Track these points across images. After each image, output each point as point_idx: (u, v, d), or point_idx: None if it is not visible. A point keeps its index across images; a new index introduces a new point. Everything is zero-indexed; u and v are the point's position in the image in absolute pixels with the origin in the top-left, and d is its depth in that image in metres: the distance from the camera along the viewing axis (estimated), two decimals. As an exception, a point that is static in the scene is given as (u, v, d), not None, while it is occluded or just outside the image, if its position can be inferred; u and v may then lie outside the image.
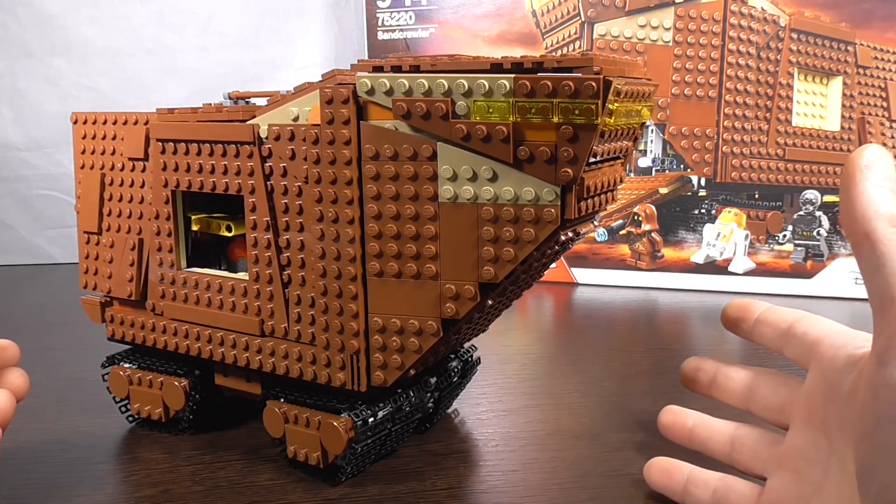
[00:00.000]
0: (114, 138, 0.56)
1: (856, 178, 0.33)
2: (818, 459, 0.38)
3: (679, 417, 0.49)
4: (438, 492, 0.48)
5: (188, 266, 0.55)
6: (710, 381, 0.47)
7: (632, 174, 1.03)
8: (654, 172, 1.02)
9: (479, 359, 0.60)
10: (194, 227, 0.54)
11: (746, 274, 1.01)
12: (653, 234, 1.04)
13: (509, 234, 0.41)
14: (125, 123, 0.55)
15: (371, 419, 0.47)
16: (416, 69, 0.42)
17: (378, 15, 1.09)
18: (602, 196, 0.45)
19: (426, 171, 0.43)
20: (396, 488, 0.49)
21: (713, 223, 1.01)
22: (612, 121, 0.39)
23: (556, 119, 0.39)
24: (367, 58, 1.08)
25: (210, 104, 0.53)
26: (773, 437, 0.43)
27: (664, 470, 0.46)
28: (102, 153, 0.57)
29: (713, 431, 0.46)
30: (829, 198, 0.97)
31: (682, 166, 1.01)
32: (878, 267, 0.31)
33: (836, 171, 0.97)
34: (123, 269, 0.57)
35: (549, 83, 0.38)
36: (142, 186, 0.55)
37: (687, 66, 0.98)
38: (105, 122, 0.56)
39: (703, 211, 1.01)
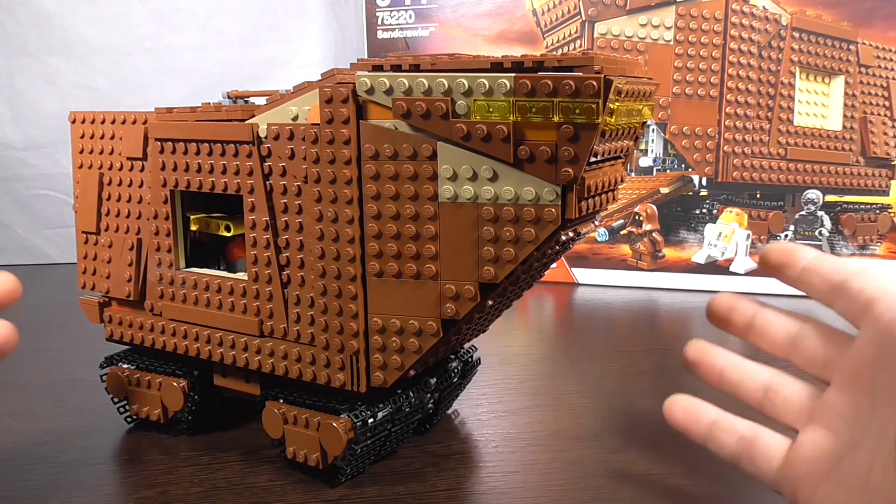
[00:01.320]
0: (112, 138, 0.56)
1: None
2: (857, 420, 0.37)
3: (707, 354, 0.44)
4: (438, 493, 0.48)
5: (187, 266, 0.54)
6: (747, 323, 0.43)
7: (633, 174, 1.03)
8: (655, 172, 1.02)
9: (479, 359, 0.59)
10: (193, 227, 0.54)
11: (748, 274, 1.00)
12: (654, 234, 1.03)
13: (509, 233, 0.41)
14: (124, 123, 0.55)
15: (371, 420, 0.47)
16: (415, 68, 0.42)
17: (378, 14, 1.09)
18: (603, 196, 0.44)
19: (426, 171, 0.42)
20: (396, 489, 0.48)
21: (714, 223, 1.01)
22: (612, 120, 0.39)
23: (556, 118, 0.38)
24: (366, 57, 1.08)
25: (209, 103, 0.53)
26: (811, 390, 0.41)
27: (688, 408, 0.43)
28: (101, 153, 0.56)
29: (746, 374, 0.43)
30: (830, 198, 0.97)
31: (683, 166, 1.01)
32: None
33: (839, 171, 0.97)
34: (122, 270, 0.57)
35: (549, 82, 0.38)
36: (140, 186, 0.55)
37: (688, 65, 0.98)
38: (103, 122, 0.56)
39: (704, 211, 1.01)
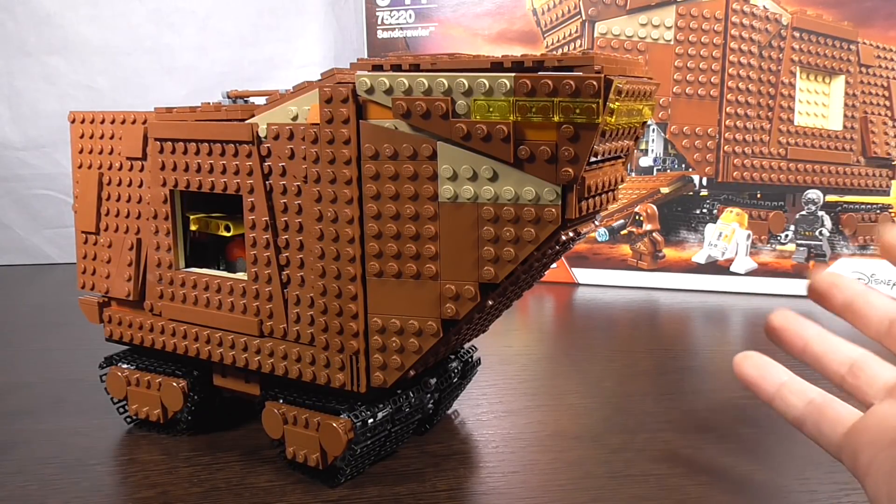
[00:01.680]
0: (112, 138, 0.56)
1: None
2: None
3: (795, 323, 0.43)
4: (438, 493, 0.48)
5: (186, 266, 0.54)
6: (847, 301, 0.42)
7: (633, 174, 1.02)
8: (655, 172, 1.02)
9: (479, 359, 0.59)
10: (193, 227, 0.54)
11: (748, 274, 1.00)
12: (654, 234, 1.03)
13: (510, 233, 0.41)
14: (123, 123, 0.55)
15: (370, 420, 0.47)
16: (415, 68, 0.42)
17: (378, 13, 1.09)
18: (603, 196, 0.44)
19: (426, 171, 0.42)
20: (396, 490, 0.48)
21: (715, 223, 1.01)
22: (613, 120, 0.39)
23: (556, 118, 0.38)
24: (366, 56, 1.08)
25: (209, 103, 0.53)
26: None
27: (760, 366, 0.42)
28: (100, 153, 0.56)
29: (832, 347, 0.42)
30: (831, 197, 0.97)
31: (683, 166, 1.01)
32: None
33: (839, 171, 0.97)
34: (121, 270, 0.57)
35: (549, 82, 0.38)
36: (140, 186, 0.55)
37: (688, 64, 0.98)
38: (103, 122, 0.56)
39: (704, 211, 1.01)
